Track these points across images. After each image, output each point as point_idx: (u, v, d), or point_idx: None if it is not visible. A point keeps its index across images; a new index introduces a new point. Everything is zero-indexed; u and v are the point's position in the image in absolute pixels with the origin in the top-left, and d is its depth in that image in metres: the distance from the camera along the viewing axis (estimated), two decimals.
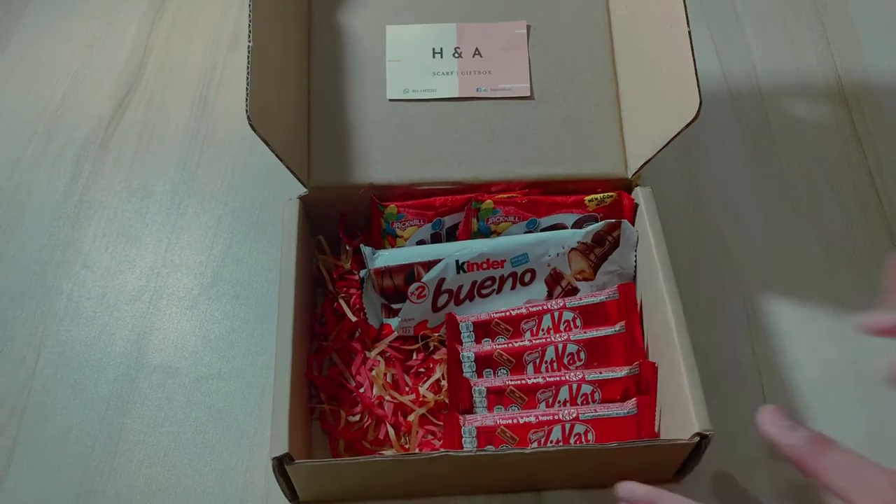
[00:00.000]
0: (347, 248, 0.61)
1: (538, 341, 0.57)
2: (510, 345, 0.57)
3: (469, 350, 0.57)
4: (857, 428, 0.58)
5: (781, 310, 0.63)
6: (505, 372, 0.56)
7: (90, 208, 0.69)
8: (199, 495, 0.55)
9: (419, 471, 0.50)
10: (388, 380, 0.57)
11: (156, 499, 0.55)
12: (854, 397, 0.59)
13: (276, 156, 0.53)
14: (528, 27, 0.63)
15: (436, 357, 0.58)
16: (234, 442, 0.57)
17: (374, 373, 0.57)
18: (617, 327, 0.57)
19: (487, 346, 0.57)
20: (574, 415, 0.53)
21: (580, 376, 0.55)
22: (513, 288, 0.59)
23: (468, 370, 0.56)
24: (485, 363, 0.56)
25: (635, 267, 0.60)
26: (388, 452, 0.55)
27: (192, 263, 0.66)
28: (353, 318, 0.59)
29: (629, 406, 0.53)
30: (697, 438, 0.48)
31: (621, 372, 0.55)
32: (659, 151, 0.56)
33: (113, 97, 0.76)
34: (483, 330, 0.58)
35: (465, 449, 0.51)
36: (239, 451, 0.57)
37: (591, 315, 0.58)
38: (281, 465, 0.47)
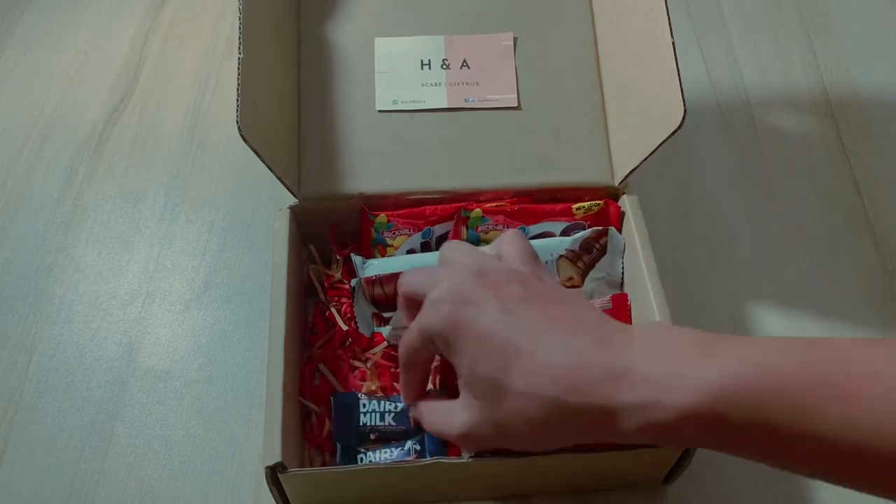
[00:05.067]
0: (338, 257, 0.62)
1: None
2: None
3: None
4: None
5: (767, 317, 0.64)
6: None
7: (83, 213, 0.70)
8: (189, 498, 0.55)
9: (412, 478, 0.51)
10: (375, 389, 0.58)
11: (146, 502, 0.55)
12: None
13: (267, 166, 0.53)
14: (515, 39, 0.64)
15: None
16: (224, 445, 0.58)
17: (365, 385, 0.58)
18: None
19: None
20: None
21: None
22: None
23: None
24: None
25: (623, 274, 0.61)
26: None
27: (185, 268, 0.67)
28: (345, 327, 0.59)
29: None
30: None
31: None
32: (644, 160, 0.57)
33: (108, 103, 0.76)
34: None
35: (461, 454, 0.52)
36: (229, 454, 0.57)
37: None
38: (274, 474, 0.48)
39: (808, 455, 0.36)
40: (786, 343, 0.38)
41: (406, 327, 0.58)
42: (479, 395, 0.43)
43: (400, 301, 0.48)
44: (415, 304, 0.46)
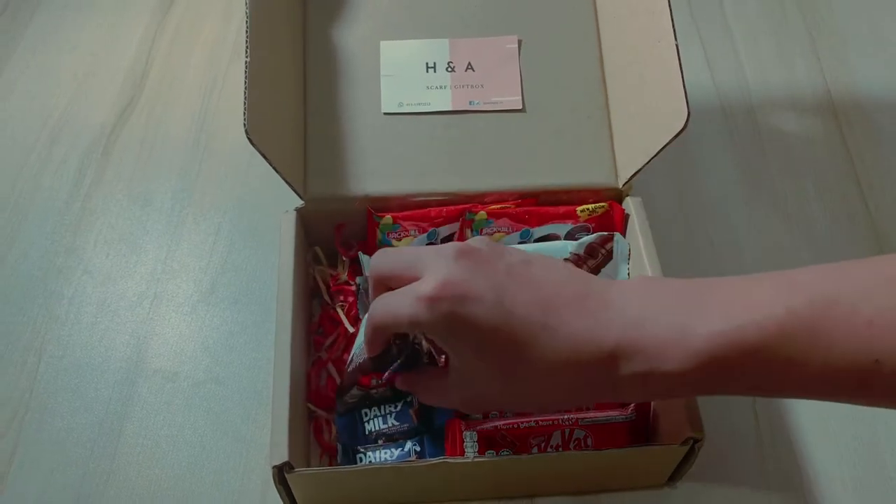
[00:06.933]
0: (344, 259, 0.63)
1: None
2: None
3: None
4: (845, 431, 0.59)
5: None
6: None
7: (92, 215, 0.70)
8: (197, 498, 0.56)
9: (419, 478, 0.51)
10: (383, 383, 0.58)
11: (154, 502, 0.56)
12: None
13: (274, 168, 0.54)
14: (520, 42, 0.64)
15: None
16: (231, 446, 0.58)
17: (373, 381, 0.58)
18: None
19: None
20: (573, 420, 0.53)
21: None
22: None
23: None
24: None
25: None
26: None
27: (192, 270, 0.67)
28: (350, 328, 0.60)
29: (628, 411, 0.54)
30: (690, 442, 0.49)
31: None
32: (648, 162, 0.57)
33: (116, 105, 0.77)
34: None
35: (465, 454, 0.52)
36: (236, 454, 0.58)
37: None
38: (281, 474, 0.48)
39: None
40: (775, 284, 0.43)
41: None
42: (481, 377, 0.45)
43: (372, 283, 0.48)
44: (391, 286, 0.46)
